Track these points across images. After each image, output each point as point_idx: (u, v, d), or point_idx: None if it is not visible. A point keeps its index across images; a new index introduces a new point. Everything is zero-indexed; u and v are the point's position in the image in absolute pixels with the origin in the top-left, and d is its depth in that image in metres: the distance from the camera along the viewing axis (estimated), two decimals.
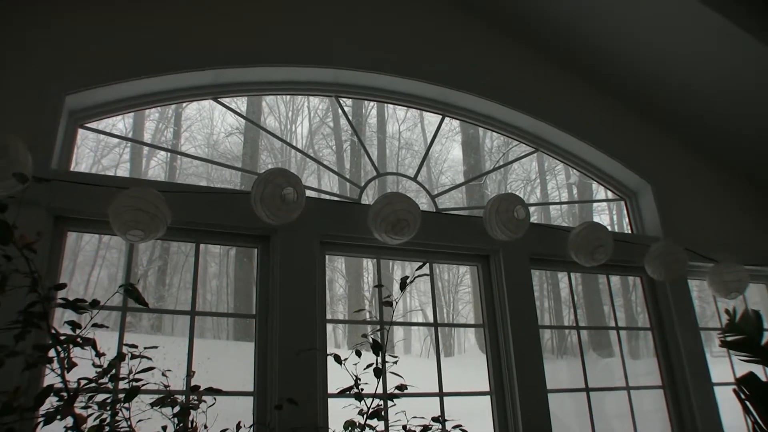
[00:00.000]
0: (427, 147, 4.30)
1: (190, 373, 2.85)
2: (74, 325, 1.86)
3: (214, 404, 2.49)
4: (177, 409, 2.34)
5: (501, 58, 4.46)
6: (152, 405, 2.13)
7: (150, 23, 3.44)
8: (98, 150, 5.82)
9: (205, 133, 6.61)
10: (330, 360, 2.84)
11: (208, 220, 3.17)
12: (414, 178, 4.05)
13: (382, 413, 2.40)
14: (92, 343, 1.87)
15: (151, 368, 2.04)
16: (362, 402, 2.57)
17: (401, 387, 2.55)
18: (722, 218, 4.71)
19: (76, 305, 1.83)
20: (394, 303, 2.62)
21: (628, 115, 4.75)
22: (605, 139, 4.51)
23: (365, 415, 2.42)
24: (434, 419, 2.47)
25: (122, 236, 2.77)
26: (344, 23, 4.02)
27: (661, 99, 4.55)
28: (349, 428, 2.63)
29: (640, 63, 4.29)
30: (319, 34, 3.88)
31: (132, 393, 1.93)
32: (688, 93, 4.39)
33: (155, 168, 6.71)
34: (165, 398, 2.33)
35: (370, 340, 2.54)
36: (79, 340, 1.82)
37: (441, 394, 3.38)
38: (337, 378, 2.91)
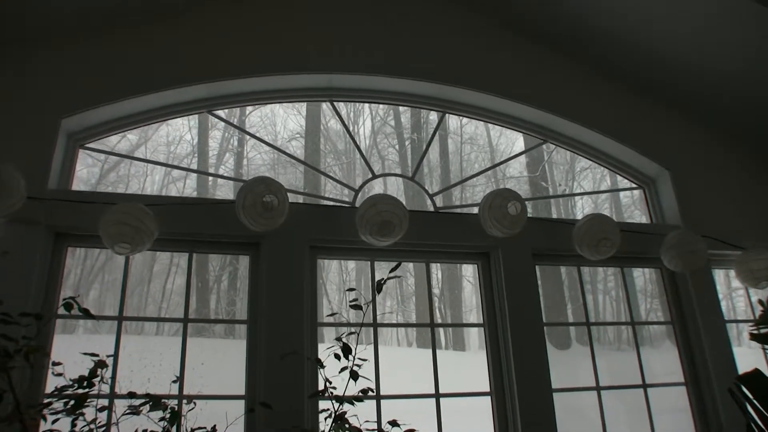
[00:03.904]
0: (426, 145, 4.26)
1: (182, 378, 2.98)
2: (7, 338, 1.99)
3: (193, 408, 2.58)
4: (167, 413, 2.46)
5: (501, 51, 4.35)
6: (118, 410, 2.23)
7: (139, 43, 3.58)
8: (167, 161, 6.12)
9: (269, 138, 6.85)
10: (331, 359, 2.87)
11: (200, 230, 3.28)
12: (411, 178, 4.03)
13: (345, 416, 2.41)
14: (26, 356, 1.99)
15: (95, 376, 2.14)
16: (342, 404, 2.59)
17: (365, 390, 2.55)
18: (748, 203, 4.38)
19: (8, 320, 1.95)
20: (365, 306, 2.63)
21: (641, 101, 4.50)
22: (618, 126, 4.30)
23: (331, 418, 2.44)
24: (390, 423, 2.46)
25: (111, 249, 2.92)
26: (335, 27, 4.03)
27: (676, 81, 4.28)
28: (339, 431, 2.66)
29: (652, 45, 4.07)
30: (309, 40, 3.92)
31: (82, 399, 2.04)
32: (707, 73, 4.11)
33: None
34: (155, 402, 2.45)
35: (341, 344, 2.55)
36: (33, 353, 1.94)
37: (437, 395, 3.35)
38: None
